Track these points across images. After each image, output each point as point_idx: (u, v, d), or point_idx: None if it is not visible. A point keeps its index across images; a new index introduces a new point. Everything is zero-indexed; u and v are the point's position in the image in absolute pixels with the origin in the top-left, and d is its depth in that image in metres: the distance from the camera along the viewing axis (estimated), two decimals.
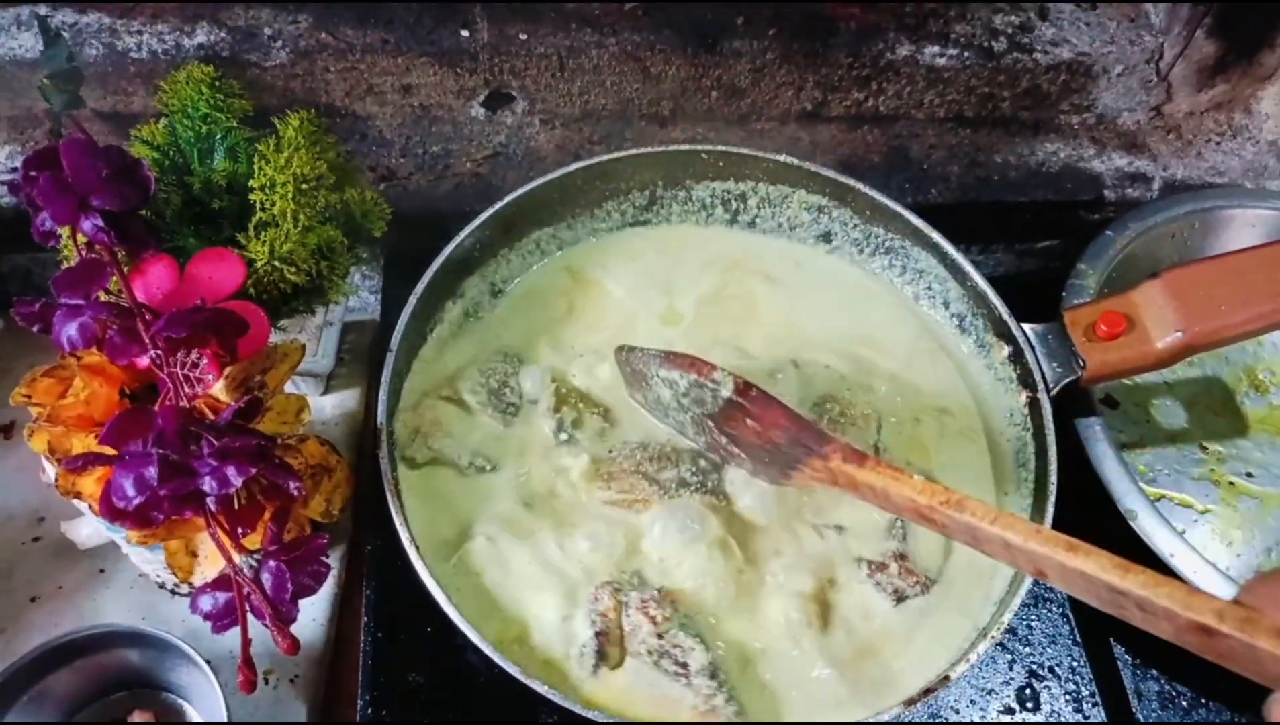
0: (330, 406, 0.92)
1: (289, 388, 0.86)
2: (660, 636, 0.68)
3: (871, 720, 0.63)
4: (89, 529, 0.81)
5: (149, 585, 0.82)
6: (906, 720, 0.75)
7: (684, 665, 0.68)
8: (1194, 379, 0.94)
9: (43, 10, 0.95)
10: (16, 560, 0.83)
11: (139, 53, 0.96)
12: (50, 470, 0.70)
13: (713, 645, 0.69)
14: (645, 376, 0.75)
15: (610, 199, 0.92)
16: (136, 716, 0.75)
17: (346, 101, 1.03)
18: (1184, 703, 0.79)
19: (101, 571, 0.83)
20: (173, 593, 0.82)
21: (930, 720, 0.77)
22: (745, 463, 0.74)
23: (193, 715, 0.77)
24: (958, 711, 0.77)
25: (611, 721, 0.61)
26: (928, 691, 0.63)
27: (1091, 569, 0.49)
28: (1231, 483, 0.88)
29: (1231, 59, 1.10)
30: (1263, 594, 0.43)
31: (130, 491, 0.57)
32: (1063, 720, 0.77)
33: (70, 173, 0.66)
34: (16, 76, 0.96)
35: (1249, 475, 0.88)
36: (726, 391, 0.69)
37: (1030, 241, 1.14)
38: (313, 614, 0.81)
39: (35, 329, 0.66)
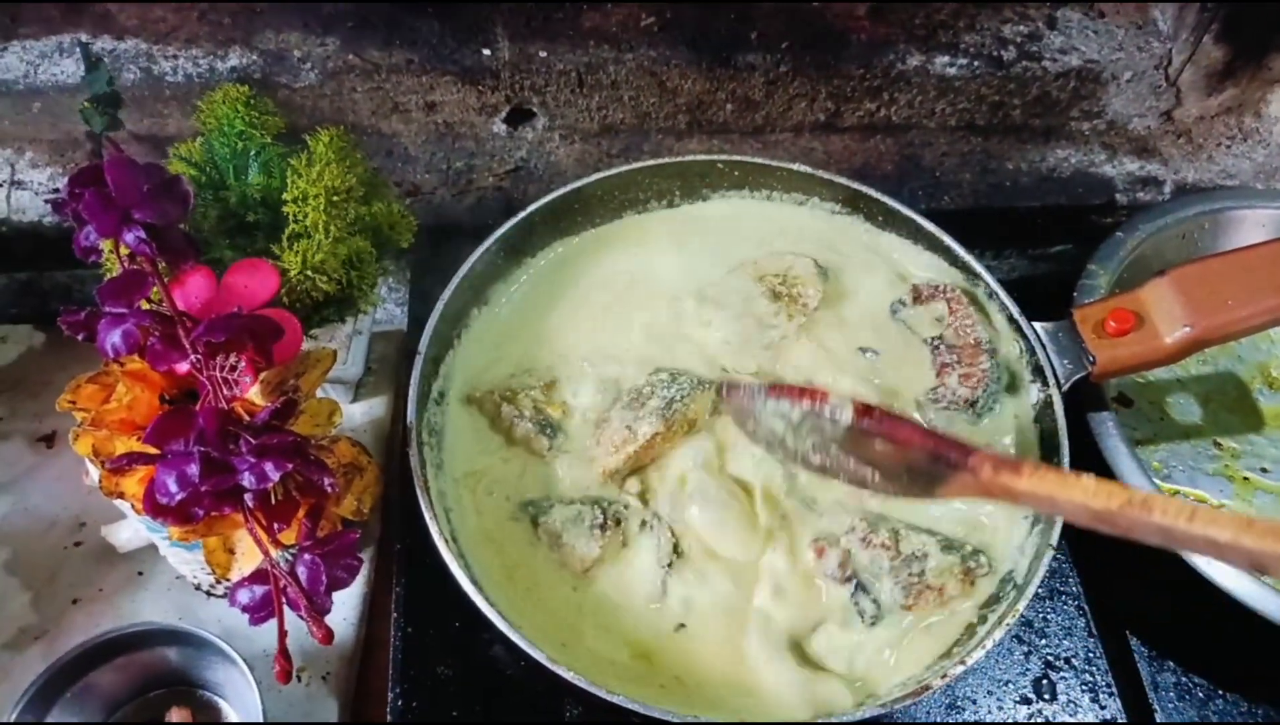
0: (360, 413, 0.95)
1: (320, 395, 0.89)
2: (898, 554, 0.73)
3: (887, 705, 0.64)
4: (128, 533, 0.84)
5: (186, 587, 0.85)
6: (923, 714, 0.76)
7: (925, 555, 0.73)
8: (1208, 376, 0.95)
9: (84, 37, 0.99)
10: (59, 564, 0.86)
11: (174, 76, 1.00)
12: (94, 472, 0.72)
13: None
14: (751, 412, 0.70)
15: (629, 209, 0.94)
16: (174, 714, 0.78)
17: (373, 120, 1.06)
18: (1200, 694, 0.79)
19: (140, 574, 0.86)
20: (208, 594, 0.85)
21: (948, 710, 0.78)
22: (884, 486, 0.68)
23: (229, 712, 0.79)
24: (975, 701, 0.78)
25: (636, 707, 0.62)
26: (943, 677, 0.64)
27: None
28: (1246, 478, 0.89)
29: (1240, 63, 1.12)
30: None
31: (173, 488, 0.60)
32: (1079, 710, 0.77)
33: (114, 188, 0.69)
34: (58, 101, 1.00)
35: (1264, 471, 0.89)
36: (845, 419, 0.65)
37: (1043, 246, 1.15)
38: (344, 614, 0.83)
39: (80, 337, 0.69)
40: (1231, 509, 0.87)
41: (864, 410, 0.65)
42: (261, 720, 0.72)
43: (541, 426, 0.80)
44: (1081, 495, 0.56)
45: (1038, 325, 0.81)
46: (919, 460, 0.64)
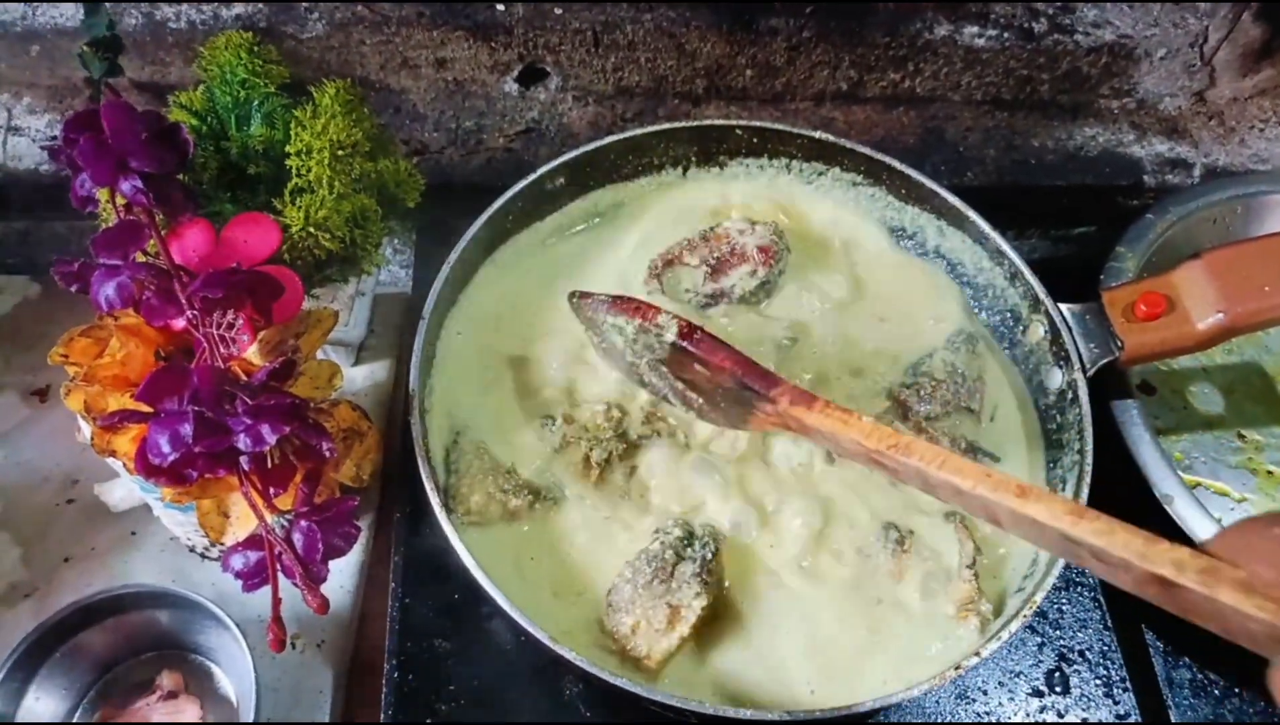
0: (360, 377, 0.93)
1: (320, 356, 0.87)
2: None
3: (900, 693, 0.62)
4: (122, 492, 0.82)
5: (179, 548, 0.83)
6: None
7: None
8: (1232, 365, 0.92)
9: None
10: (50, 521, 0.84)
11: (177, 23, 0.96)
12: (86, 429, 0.70)
13: None
14: (596, 323, 0.73)
15: (643, 174, 0.91)
16: (165, 677, 0.76)
17: (381, 75, 1.03)
18: (1216, 691, 0.77)
19: (133, 534, 0.84)
20: (203, 556, 0.83)
21: (958, 700, 0.76)
22: (706, 412, 0.72)
23: (221, 677, 0.77)
24: (985, 692, 0.76)
25: (638, 690, 0.61)
26: (957, 668, 0.62)
27: (1042, 516, 0.47)
28: (1270, 471, 0.86)
29: (1278, 44, 1.08)
30: (1231, 541, 0.38)
31: (165, 448, 0.58)
32: (1092, 705, 0.76)
33: (110, 135, 0.67)
34: (57, 45, 0.97)
35: None
36: (670, 335, 0.68)
37: (1066, 227, 1.12)
38: (340, 582, 0.82)
39: (74, 289, 0.67)
40: (1254, 503, 0.84)
41: (688, 331, 0.68)
42: (254, 685, 0.71)
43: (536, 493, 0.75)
44: (858, 433, 0.58)
45: (1064, 307, 0.79)
46: (731, 387, 0.67)
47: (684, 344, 0.67)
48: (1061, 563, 0.68)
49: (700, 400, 0.71)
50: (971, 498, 0.52)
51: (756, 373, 0.66)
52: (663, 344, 0.68)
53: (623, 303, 0.71)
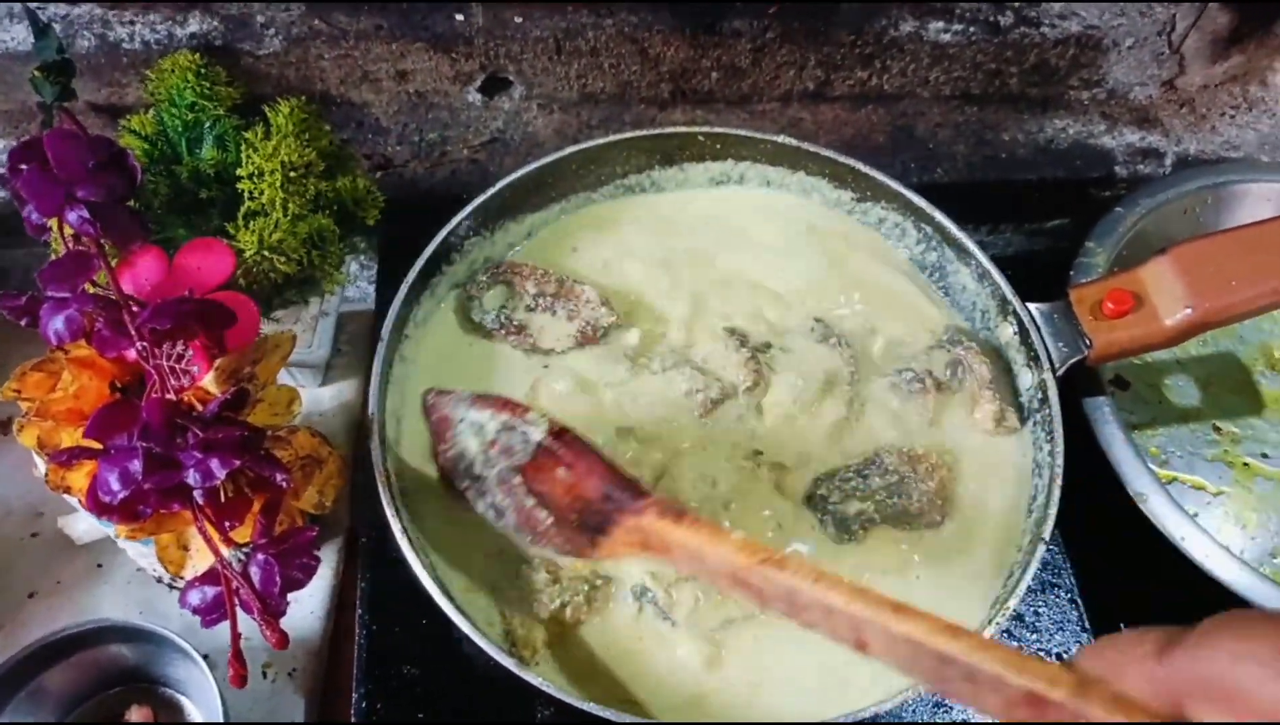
0: (328, 398, 0.92)
1: (286, 378, 0.86)
2: None
3: (873, 705, 0.61)
4: (86, 524, 0.81)
5: (146, 580, 0.82)
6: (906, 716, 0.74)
7: None
8: (1208, 357, 0.92)
9: (33, 3, 0.94)
10: (15, 555, 0.83)
11: (131, 44, 0.95)
12: (41, 465, 0.69)
13: None
14: (451, 422, 0.68)
15: (606, 183, 0.90)
16: (134, 712, 0.75)
17: (342, 89, 1.02)
18: None
19: (99, 566, 0.83)
20: (170, 587, 0.82)
21: (934, 709, 0.75)
22: (550, 534, 0.64)
23: (190, 710, 0.76)
24: None
25: (608, 715, 0.60)
26: None
27: (919, 634, 0.43)
28: (1246, 464, 0.86)
29: (1246, 30, 1.08)
30: (1096, 659, 0.38)
31: (115, 485, 0.57)
32: None
33: (55, 164, 0.65)
34: (10, 70, 0.95)
35: (1264, 456, 0.86)
36: (538, 435, 0.64)
37: (1039, 221, 1.11)
38: (310, 607, 0.80)
39: (23, 323, 0.65)
40: (1231, 495, 0.84)
41: (559, 431, 0.64)
42: (222, 719, 0.69)
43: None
44: (729, 548, 0.53)
45: (1032, 306, 0.78)
46: (594, 496, 0.62)
47: (553, 444, 0.63)
48: (1035, 567, 0.67)
49: (549, 520, 0.63)
50: (843, 615, 0.47)
51: (625, 482, 0.62)
52: (527, 445, 0.64)
53: (488, 399, 0.67)
